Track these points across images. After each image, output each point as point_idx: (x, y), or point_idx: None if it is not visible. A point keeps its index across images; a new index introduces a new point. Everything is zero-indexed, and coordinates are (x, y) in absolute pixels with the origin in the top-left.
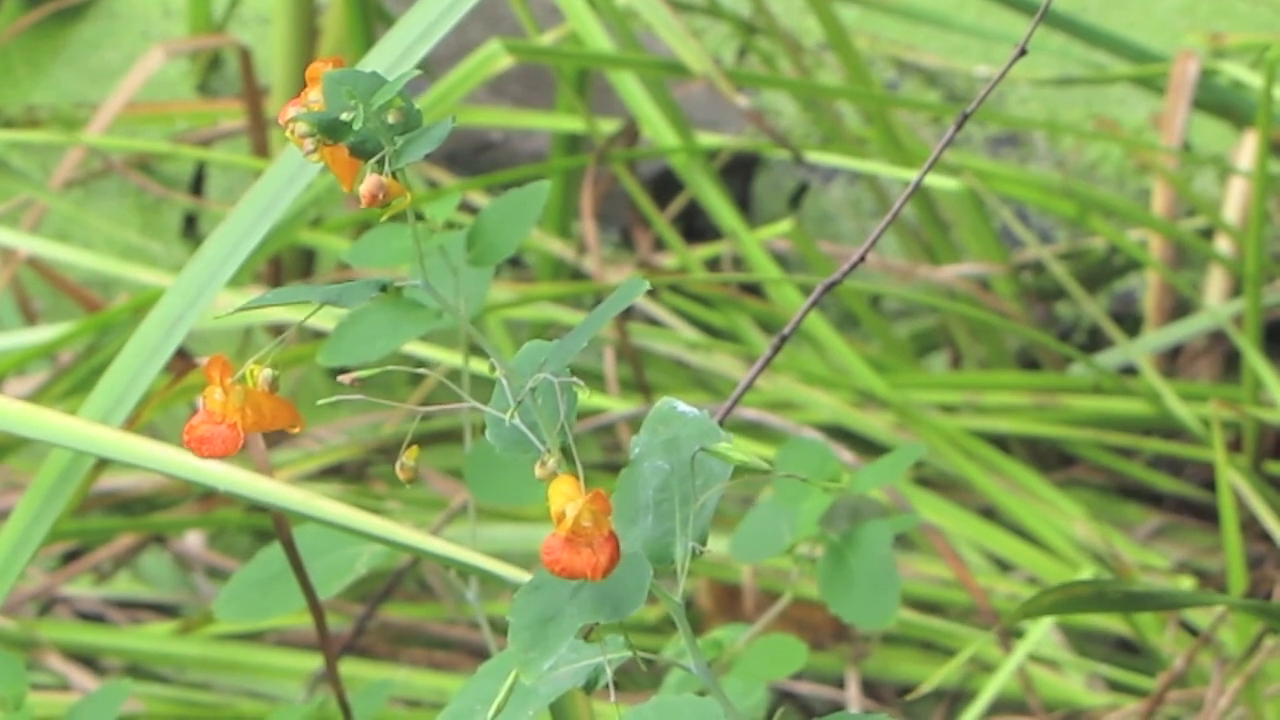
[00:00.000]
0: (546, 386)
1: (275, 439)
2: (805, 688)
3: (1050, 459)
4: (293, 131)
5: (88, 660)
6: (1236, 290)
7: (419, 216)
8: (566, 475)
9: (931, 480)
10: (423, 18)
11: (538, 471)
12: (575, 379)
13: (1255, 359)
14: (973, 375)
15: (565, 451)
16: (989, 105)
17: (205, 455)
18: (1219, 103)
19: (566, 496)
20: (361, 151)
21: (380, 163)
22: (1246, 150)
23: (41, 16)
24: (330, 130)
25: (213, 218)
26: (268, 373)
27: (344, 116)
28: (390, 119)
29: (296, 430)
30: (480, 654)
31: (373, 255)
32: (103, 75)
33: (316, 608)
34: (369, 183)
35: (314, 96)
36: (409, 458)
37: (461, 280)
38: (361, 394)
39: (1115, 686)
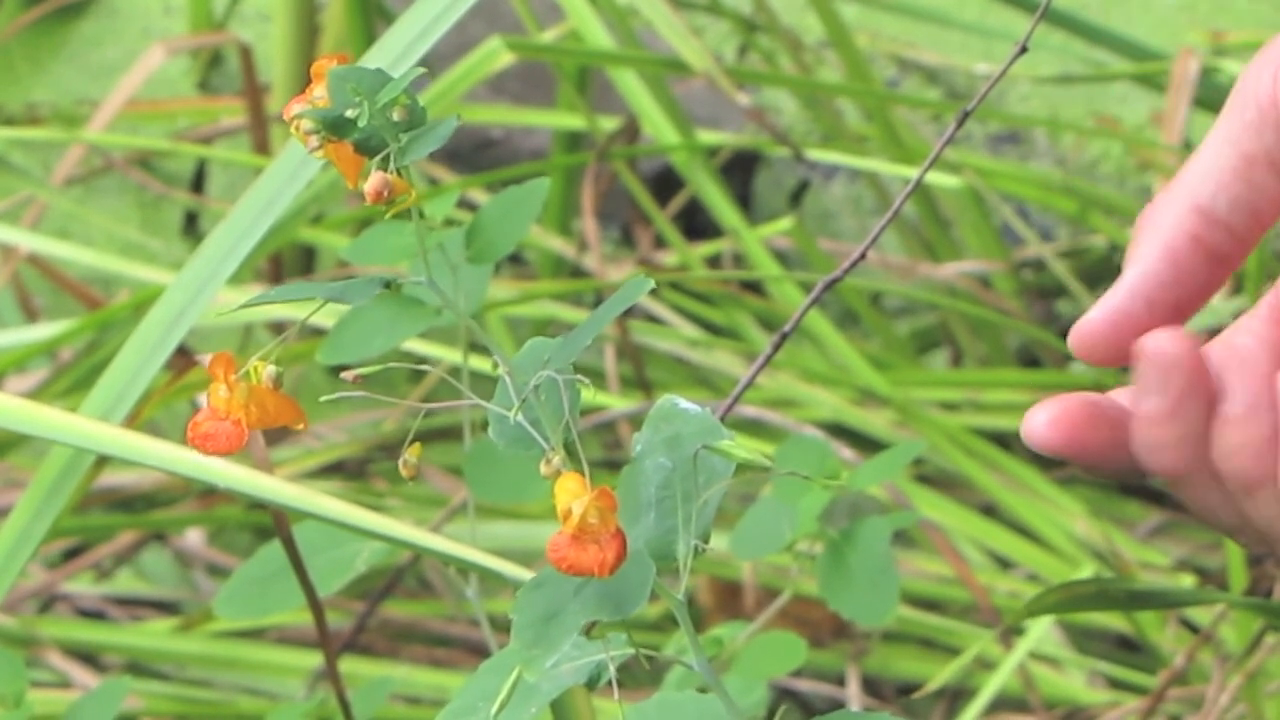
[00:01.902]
0: (550, 383)
1: (276, 436)
2: (805, 685)
3: (1050, 456)
4: (297, 128)
5: (88, 657)
6: (1237, 288)
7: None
8: (572, 472)
9: (931, 477)
10: (423, 15)
11: (543, 469)
12: (579, 376)
13: None
14: (973, 373)
15: (569, 448)
16: (989, 103)
17: (209, 452)
18: (1220, 100)
19: (572, 493)
20: (366, 148)
21: (385, 159)
22: None
23: (42, 14)
24: (335, 127)
25: (213, 215)
26: (272, 369)
27: (349, 113)
28: (395, 116)
29: (300, 427)
30: (480, 651)
31: (372, 252)
32: (103, 72)
33: (316, 605)
34: (374, 180)
35: (319, 93)
36: (412, 454)
37: (460, 277)
38: (363, 390)
39: (1116, 684)
